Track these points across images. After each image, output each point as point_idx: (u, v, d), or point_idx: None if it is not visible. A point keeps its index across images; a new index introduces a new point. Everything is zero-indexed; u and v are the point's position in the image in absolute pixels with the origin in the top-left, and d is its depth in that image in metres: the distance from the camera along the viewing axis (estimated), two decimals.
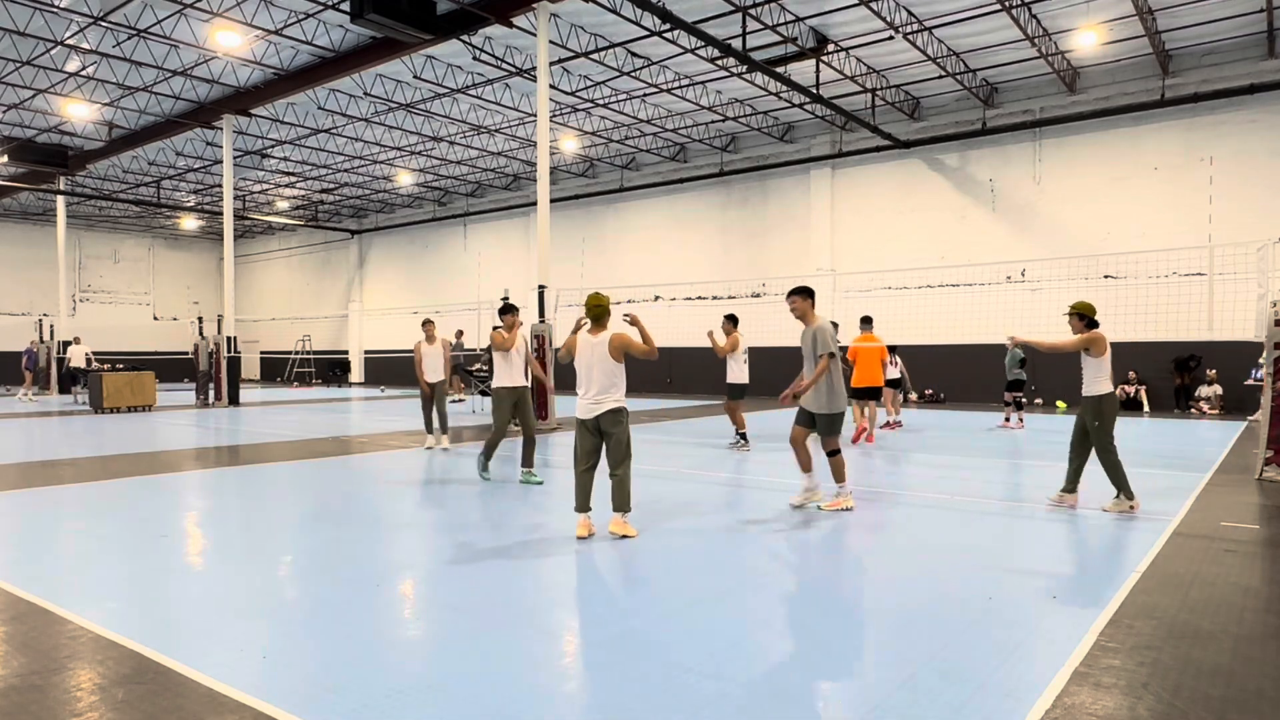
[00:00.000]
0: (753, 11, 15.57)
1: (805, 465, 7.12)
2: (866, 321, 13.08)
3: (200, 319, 25.03)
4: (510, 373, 8.63)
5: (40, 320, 29.52)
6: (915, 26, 16.31)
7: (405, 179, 29.67)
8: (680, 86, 19.89)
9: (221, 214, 27.21)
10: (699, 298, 25.36)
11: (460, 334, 23.79)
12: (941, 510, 7.00)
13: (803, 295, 7.00)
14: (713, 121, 22.83)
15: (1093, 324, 7.12)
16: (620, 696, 3.21)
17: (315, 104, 21.25)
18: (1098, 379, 6.99)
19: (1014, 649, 3.70)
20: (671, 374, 25.93)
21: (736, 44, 15.80)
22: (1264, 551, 5.51)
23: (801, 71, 18.48)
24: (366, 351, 36.51)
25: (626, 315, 6.21)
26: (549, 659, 3.65)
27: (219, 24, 16.24)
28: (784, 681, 3.36)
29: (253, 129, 23.41)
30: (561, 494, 8.12)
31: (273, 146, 25.35)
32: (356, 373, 36.28)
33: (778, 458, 10.46)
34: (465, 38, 16.36)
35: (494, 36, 16.99)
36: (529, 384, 8.84)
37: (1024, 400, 15.12)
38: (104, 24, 16.06)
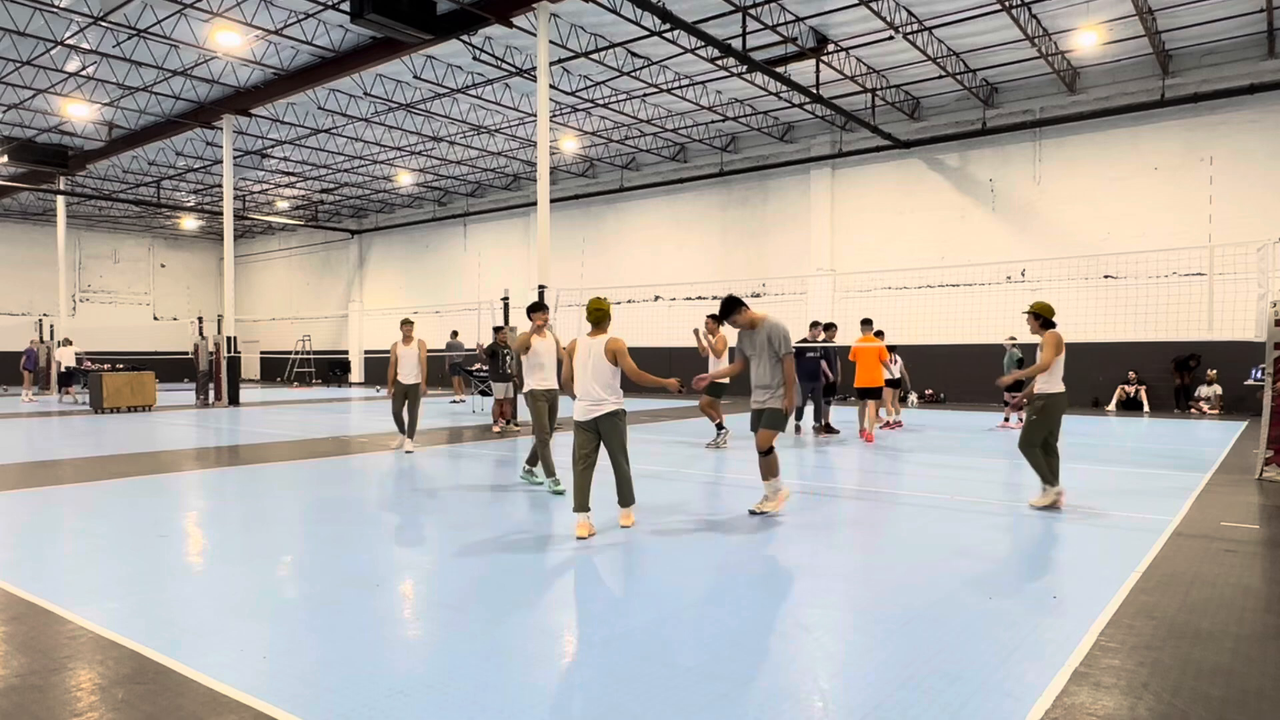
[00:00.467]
0: (753, 11, 15.57)
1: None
2: (866, 323, 13.36)
3: (200, 319, 25.04)
4: (543, 375, 8.01)
5: (40, 320, 29.54)
6: (915, 26, 16.31)
7: (405, 179, 29.67)
8: (680, 86, 19.89)
9: (221, 214, 27.21)
10: (699, 298, 25.36)
11: (455, 334, 23.79)
12: (941, 510, 7.00)
13: (736, 309, 6.81)
14: (713, 121, 22.83)
15: (1049, 324, 7.20)
16: (620, 697, 3.21)
17: (315, 104, 21.25)
18: (1051, 377, 6.99)
19: (1014, 649, 3.70)
20: (672, 374, 26.00)
21: (736, 44, 15.80)
22: (1264, 551, 5.51)
23: (801, 71, 18.48)
24: (366, 351, 36.50)
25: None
26: (549, 659, 3.65)
27: (219, 24, 16.24)
28: (784, 681, 3.36)
29: (253, 129, 23.41)
30: (564, 495, 8.12)
31: (273, 146, 25.35)
32: (356, 373, 36.28)
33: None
34: (465, 38, 16.37)
35: (494, 36, 16.99)
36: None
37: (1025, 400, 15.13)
38: (104, 24, 16.06)
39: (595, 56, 17.81)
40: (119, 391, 19.15)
